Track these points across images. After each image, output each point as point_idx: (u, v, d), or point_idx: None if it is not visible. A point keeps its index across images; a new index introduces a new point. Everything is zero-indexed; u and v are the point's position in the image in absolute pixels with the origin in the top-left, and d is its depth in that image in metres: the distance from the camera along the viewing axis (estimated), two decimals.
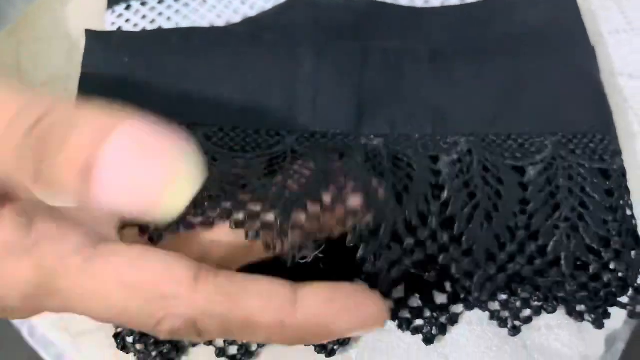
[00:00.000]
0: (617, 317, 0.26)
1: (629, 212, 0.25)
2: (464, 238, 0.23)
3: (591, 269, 0.23)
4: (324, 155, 0.22)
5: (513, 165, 0.25)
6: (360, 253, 0.21)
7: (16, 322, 0.31)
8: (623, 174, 0.26)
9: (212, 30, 0.30)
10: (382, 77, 0.27)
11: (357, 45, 0.28)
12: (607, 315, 0.24)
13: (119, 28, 0.31)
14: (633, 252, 0.24)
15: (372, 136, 0.25)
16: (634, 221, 0.25)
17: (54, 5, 0.35)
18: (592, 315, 0.24)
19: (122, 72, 0.28)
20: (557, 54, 0.28)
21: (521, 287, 0.24)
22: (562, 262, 0.23)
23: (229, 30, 0.30)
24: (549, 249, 0.23)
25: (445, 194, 0.23)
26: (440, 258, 0.23)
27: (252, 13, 0.31)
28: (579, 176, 0.25)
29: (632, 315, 0.24)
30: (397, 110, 0.26)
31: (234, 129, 0.26)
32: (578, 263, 0.23)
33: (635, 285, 0.24)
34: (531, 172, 0.25)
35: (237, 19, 0.31)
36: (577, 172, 0.25)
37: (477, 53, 0.28)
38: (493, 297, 0.24)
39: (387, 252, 0.22)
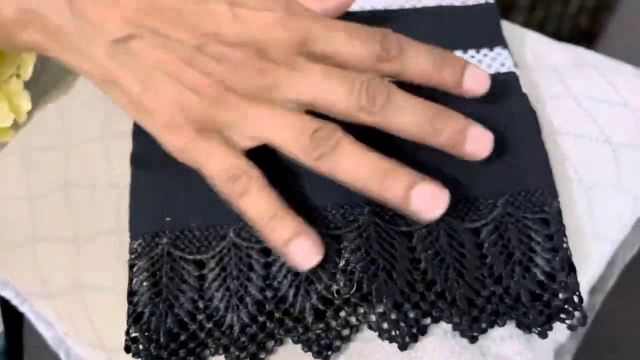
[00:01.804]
0: (563, 332, 0.32)
1: (564, 245, 0.31)
2: (447, 293, 0.29)
3: (544, 297, 0.29)
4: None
5: (470, 228, 0.31)
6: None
7: (53, 345, 0.36)
8: (559, 213, 0.32)
9: None
10: None
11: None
12: (551, 328, 0.30)
13: None
14: (569, 276, 0.30)
15: (362, 204, 0.31)
16: (568, 252, 0.31)
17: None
18: (538, 328, 0.30)
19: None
20: (506, 124, 0.34)
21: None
22: (522, 297, 0.29)
23: None
24: (511, 288, 0.30)
25: (422, 265, 0.30)
26: (433, 313, 0.29)
27: None
28: (525, 227, 0.31)
29: (570, 328, 0.30)
30: None
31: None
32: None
33: (572, 304, 0.29)
34: (484, 232, 0.31)
35: None
36: (524, 224, 0.31)
37: None
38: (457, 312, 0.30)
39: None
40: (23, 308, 0.37)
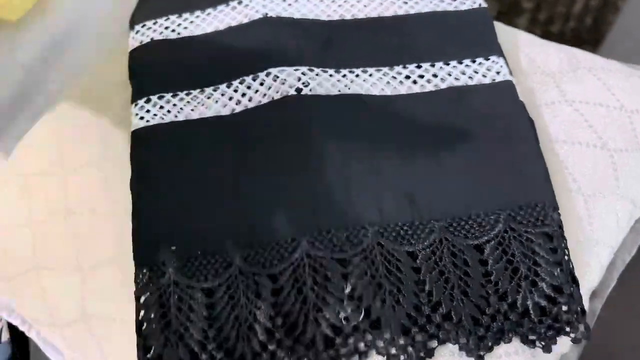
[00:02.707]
0: (566, 343, 0.32)
1: (567, 258, 0.31)
2: (452, 314, 0.29)
3: (553, 311, 0.30)
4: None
5: (474, 244, 0.31)
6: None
7: None
8: (560, 225, 0.32)
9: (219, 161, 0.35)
10: (362, 176, 0.33)
11: (335, 154, 0.34)
12: (556, 342, 0.30)
13: (141, 118, 0.37)
14: (573, 289, 0.30)
15: (367, 225, 0.32)
16: (571, 264, 0.31)
17: (90, 98, 0.41)
18: (542, 343, 0.30)
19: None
20: (504, 135, 0.34)
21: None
22: (531, 311, 0.30)
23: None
24: (518, 303, 0.30)
25: (427, 286, 0.30)
26: (440, 335, 0.29)
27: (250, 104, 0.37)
28: (529, 241, 0.31)
29: (575, 341, 0.30)
30: (382, 199, 0.33)
31: (263, 244, 0.32)
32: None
33: (577, 316, 0.30)
34: (487, 248, 0.31)
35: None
36: (526, 238, 0.31)
37: (437, 142, 0.34)
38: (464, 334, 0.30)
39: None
40: (30, 334, 0.37)
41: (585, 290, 0.34)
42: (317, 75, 0.37)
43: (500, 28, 0.42)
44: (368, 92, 0.37)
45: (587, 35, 0.67)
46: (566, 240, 0.32)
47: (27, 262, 0.37)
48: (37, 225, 0.37)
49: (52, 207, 0.37)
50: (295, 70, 0.37)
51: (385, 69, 0.38)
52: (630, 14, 0.65)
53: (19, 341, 0.43)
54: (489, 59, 0.38)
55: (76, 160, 0.39)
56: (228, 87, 0.38)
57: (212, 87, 0.38)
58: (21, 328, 0.37)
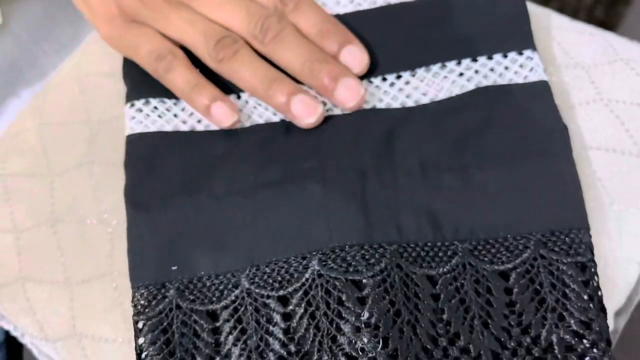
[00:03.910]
0: None
1: (599, 293, 0.28)
2: (470, 347, 0.27)
3: (579, 349, 0.27)
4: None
5: (499, 270, 0.28)
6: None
7: None
8: (592, 251, 0.29)
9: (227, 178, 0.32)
10: (381, 192, 0.30)
11: (355, 167, 0.31)
12: None
13: (139, 122, 0.34)
14: (600, 321, 0.28)
15: (385, 244, 0.29)
16: (600, 295, 0.28)
17: (72, 88, 0.38)
18: None
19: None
20: (536, 147, 0.31)
21: None
22: (555, 347, 0.27)
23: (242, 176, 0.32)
24: (542, 337, 0.27)
25: (446, 315, 0.28)
26: None
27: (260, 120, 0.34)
28: (559, 271, 0.28)
29: None
30: (401, 217, 0.29)
31: (272, 263, 0.29)
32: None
33: (602, 354, 0.28)
34: (513, 275, 0.28)
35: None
36: (557, 268, 0.28)
37: (463, 154, 0.31)
38: None
39: None
40: (24, 340, 0.35)
41: (610, 309, 0.31)
42: None
43: (529, 8, 0.37)
44: (388, 106, 0.33)
45: (598, 26, 0.65)
46: (596, 265, 0.29)
47: (12, 272, 0.34)
48: (21, 232, 0.35)
49: (38, 214, 0.35)
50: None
51: (407, 75, 0.34)
52: None
53: (12, 344, 0.42)
54: (522, 54, 0.34)
55: (62, 160, 0.36)
56: (238, 98, 0.35)
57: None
58: (13, 334, 0.35)
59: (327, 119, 0.33)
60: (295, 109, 0.31)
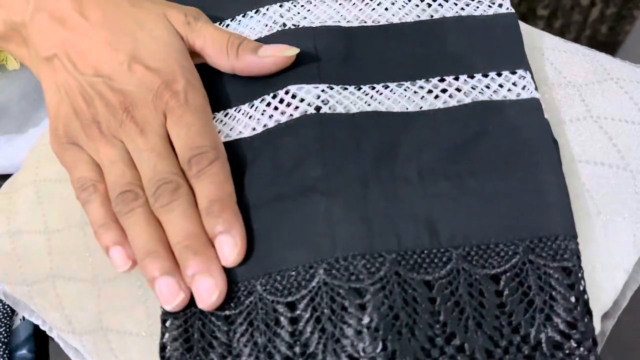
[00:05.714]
0: None
1: (586, 296, 0.31)
2: (466, 346, 0.29)
3: (566, 347, 0.30)
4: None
5: (491, 274, 0.31)
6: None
7: None
8: (578, 257, 0.31)
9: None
10: (381, 202, 0.32)
11: (357, 176, 0.33)
12: None
13: None
14: (587, 322, 0.30)
15: (384, 253, 0.31)
16: (586, 297, 0.31)
17: None
18: None
19: None
20: (527, 159, 0.33)
21: None
22: (544, 345, 0.30)
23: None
24: (531, 336, 0.30)
25: (442, 317, 0.30)
26: None
27: None
28: (546, 275, 0.31)
29: None
30: (400, 225, 0.32)
31: (282, 271, 0.31)
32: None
33: (587, 352, 0.30)
34: (504, 279, 0.31)
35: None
36: (544, 272, 0.31)
37: (459, 163, 0.33)
38: None
39: None
40: (52, 334, 0.38)
41: (597, 312, 0.33)
42: (337, 93, 0.36)
43: (522, 29, 0.40)
44: (389, 109, 0.35)
45: (603, 44, 0.67)
46: (583, 270, 0.31)
47: (43, 270, 0.37)
48: (52, 233, 0.37)
49: (68, 217, 0.37)
50: (315, 87, 0.36)
51: (407, 84, 0.36)
52: None
53: (39, 338, 0.45)
54: (515, 73, 0.37)
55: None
56: (250, 107, 0.37)
57: (234, 108, 0.37)
58: (42, 328, 0.38)
59: (331, 118, 0.35)
60: (158, 289, 0.31)
